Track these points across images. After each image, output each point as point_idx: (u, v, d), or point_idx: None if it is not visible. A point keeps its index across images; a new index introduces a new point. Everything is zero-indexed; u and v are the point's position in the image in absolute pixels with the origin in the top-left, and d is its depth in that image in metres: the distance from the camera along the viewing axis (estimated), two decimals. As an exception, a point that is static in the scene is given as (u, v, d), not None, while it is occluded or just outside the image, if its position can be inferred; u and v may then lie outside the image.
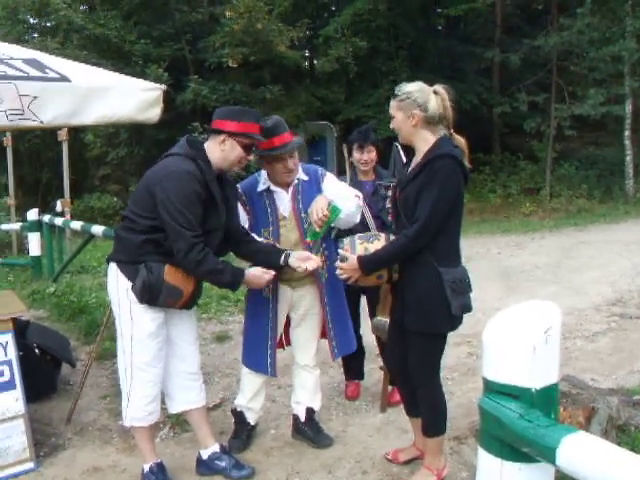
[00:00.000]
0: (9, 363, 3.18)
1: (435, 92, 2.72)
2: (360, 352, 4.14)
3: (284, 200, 3.22)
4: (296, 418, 3.51)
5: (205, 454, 3.08)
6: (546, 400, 1.59)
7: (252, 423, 3.46)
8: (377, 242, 2.76)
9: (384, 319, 3.56)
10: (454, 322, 2.76)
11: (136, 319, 2.78)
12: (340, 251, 2.82)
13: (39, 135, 14.48)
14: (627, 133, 14.96)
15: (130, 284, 2.75)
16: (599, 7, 13.75)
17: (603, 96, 13.70)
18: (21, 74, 2.80)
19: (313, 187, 3.26)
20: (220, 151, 2.82)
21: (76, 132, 11.77)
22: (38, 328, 4.36)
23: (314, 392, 3.49)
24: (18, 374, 3.20)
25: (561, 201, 14.76)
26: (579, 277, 7.51)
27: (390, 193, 3.46)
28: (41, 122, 2.78)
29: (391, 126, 2.81)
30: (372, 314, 3.86)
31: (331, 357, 3.46)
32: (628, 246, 9.35)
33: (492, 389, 1.64)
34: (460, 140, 2.76)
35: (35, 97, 2.74)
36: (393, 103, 2.74)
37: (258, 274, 2.91)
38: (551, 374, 1.62)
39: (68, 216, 8.38)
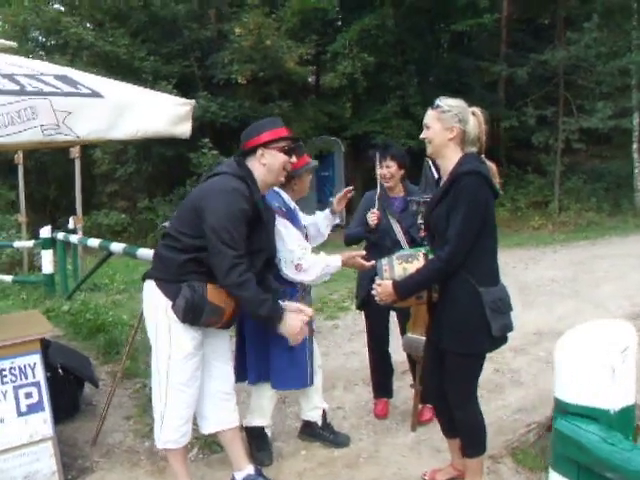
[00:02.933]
0: (37, 385, 3.11)
1: (473, 114, 2.70)
2: (389, 369, 4.08)
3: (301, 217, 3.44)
4: (311, 424, 3.55)
5: (239, 476, 3.00)
6: (624, 422, 1.54)
7: (270, 435, 3.50)
8: (416, 262, 2.71)
9: (415, 336, 3.51)
10: (495, 342, 2.71)
11: (175, 339, 2.72)
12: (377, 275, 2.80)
13: (48, 152, 14.50)
14: (635, 146, 14.97)
15: (170, 303, 2.69)
16: (606, 21, 13.80)
17: (611, 109, 13.69)
18: (54, 90, 2.76)
19: None
20: (262, 166, 2.80)
21: (84, 149, 11.78)
22: (60, 347, 4.28)
23: (321, 391, 3.58)
24: (46, 395, 3.13)
25: (570, 214, 14.71)
26: (596, 291, 7.43)
27: (422, 209, 3.40)
28: (77, 137, 2.73)
29: (422, 136, 2.75)
30: (403, 331, 3.81)
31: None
32: (643, 260, 9.28)
33: (567, 411, 1.57)
34: (491, 166, 2.73)
35: (69, 112, 2.70)
36: (433, 113, 2.70)
37: (295, 322, 2.75)
38: (629, 395, 1.56)
39: (80, 233, 8.33)
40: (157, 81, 12.85)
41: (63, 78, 2.97)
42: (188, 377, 2.78)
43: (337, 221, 3.58)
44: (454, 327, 2.66)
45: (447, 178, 2.66)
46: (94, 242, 5.91)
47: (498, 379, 4.63)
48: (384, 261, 2.80)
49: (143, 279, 2.88)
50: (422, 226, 3.35)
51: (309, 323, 3.20)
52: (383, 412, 3.99)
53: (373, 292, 2.79)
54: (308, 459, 3.46)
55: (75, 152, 8.32)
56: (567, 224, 14.39)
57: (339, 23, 17.30)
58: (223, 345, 2.96)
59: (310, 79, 18.03)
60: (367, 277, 3.90)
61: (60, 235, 7.43)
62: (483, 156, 2.72)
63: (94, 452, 3.55)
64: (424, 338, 3.33)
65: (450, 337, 2.68)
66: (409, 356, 3.79)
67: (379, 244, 3.80)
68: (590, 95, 14.94)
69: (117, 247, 5.13)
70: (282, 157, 2.82)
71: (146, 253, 4.53)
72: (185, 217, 2.74)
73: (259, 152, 2.79)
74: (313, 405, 3.55)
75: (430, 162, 3.68)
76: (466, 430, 2.86)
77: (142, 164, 14.64)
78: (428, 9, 16.08)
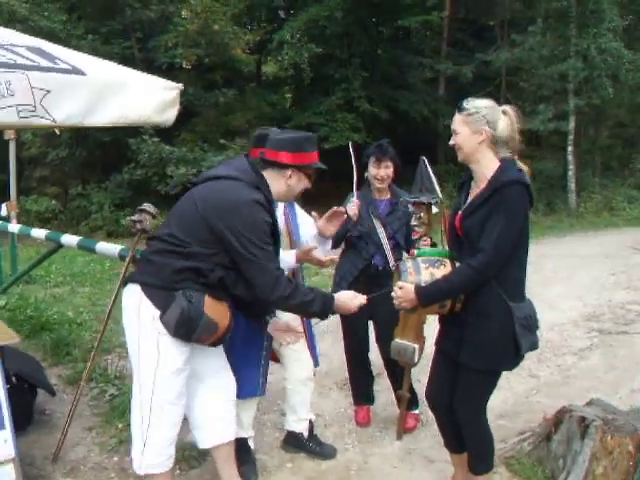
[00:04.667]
0: (-4, 398, 2.74)
1: (504, 112, 2.52)
2: (370, 376, 3.91)
3: (280, 214, 3.10)
4: (296, 435, 3.38)
5: (230, 498, 2.75)
6: None
7: (253, 447, 3.27)
8: (443, 268, 2.54)
9: (404, 342, 3.32)
10: (518, 360, 2.60)
11: (163, 352, 2.43)
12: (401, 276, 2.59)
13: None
14: (570, 149, 15.48)
15: (158, 312, 2.39)
16: (548, 26, 14.16)
17: (551, 112, 14.10)
18: (31, 63, 2.40)
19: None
20: (286, 186, 2.56)
21: (17, 130, 10.99)
22: (11, 351, 3.84)
23: (309, 404, 3.38)
24: (7, 411, 2.76)
25: (507, 213, 15.07)
26: (548, 291, 7.54)
27: (413, 210, 3.20)
28: (53, 121, 2.38)
29: (451, 142, 2.57)
30: (380, 336, 3.65)
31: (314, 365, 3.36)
32: (584, 260, 9.59)
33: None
34: (524, 167, 2.58)
35: (48, 91, 2.35)
36: (459, 117, 2.50)
37: (348, 299, 2.62)
38: None
39: (14, 221, 7.69)
40: (95, 61, 12.16)
41: (38, 51, 2.61)
42: (176, 395, 2.51)
43: (329, 247, 3.26)
44: (480, 343, 2.50)
45: (486, 185, 2.47)
46: (39, 233, 5.36)
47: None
48: (408, 263, 2.62)
49: (125, 283, 2.57)
50: (416, 228, 3.17)
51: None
52: (365, 420, 3.82)
53: (392, 294, 2.60)
54: (295, 473, 3.24)
55: (11, 134, 7.64)
56: (504, 222, 14.74)
57: (280, 13, 17.01)
58: (215, 354, 2.69)
59: (255, 67, 17.66)
60: (346, 278, 3.70)
61: (-5, 223, 6.79)
62: (516, 157, 2.55)
63: (56, 470, 3.19)
64: (414, 345, 3.18)
65: (474, 353, 2.52)
66: (390, 361, 3.60)
67: (360, 247, 3.61)
68: (530, 97, 15.32)
69: (70, 240, 4.62)
70: (306, 183, 2.62)
71: (107, 248, 4.11)
72: (191, 226, 2.42)
73: (289, 171, 2.53)
74: (298, 417, 3.36)
75: (426, 160, 3.52)
76: (476, 445, 2.74)
77: (76, 148, 13.84)
78: (376, 3, 16.01)
